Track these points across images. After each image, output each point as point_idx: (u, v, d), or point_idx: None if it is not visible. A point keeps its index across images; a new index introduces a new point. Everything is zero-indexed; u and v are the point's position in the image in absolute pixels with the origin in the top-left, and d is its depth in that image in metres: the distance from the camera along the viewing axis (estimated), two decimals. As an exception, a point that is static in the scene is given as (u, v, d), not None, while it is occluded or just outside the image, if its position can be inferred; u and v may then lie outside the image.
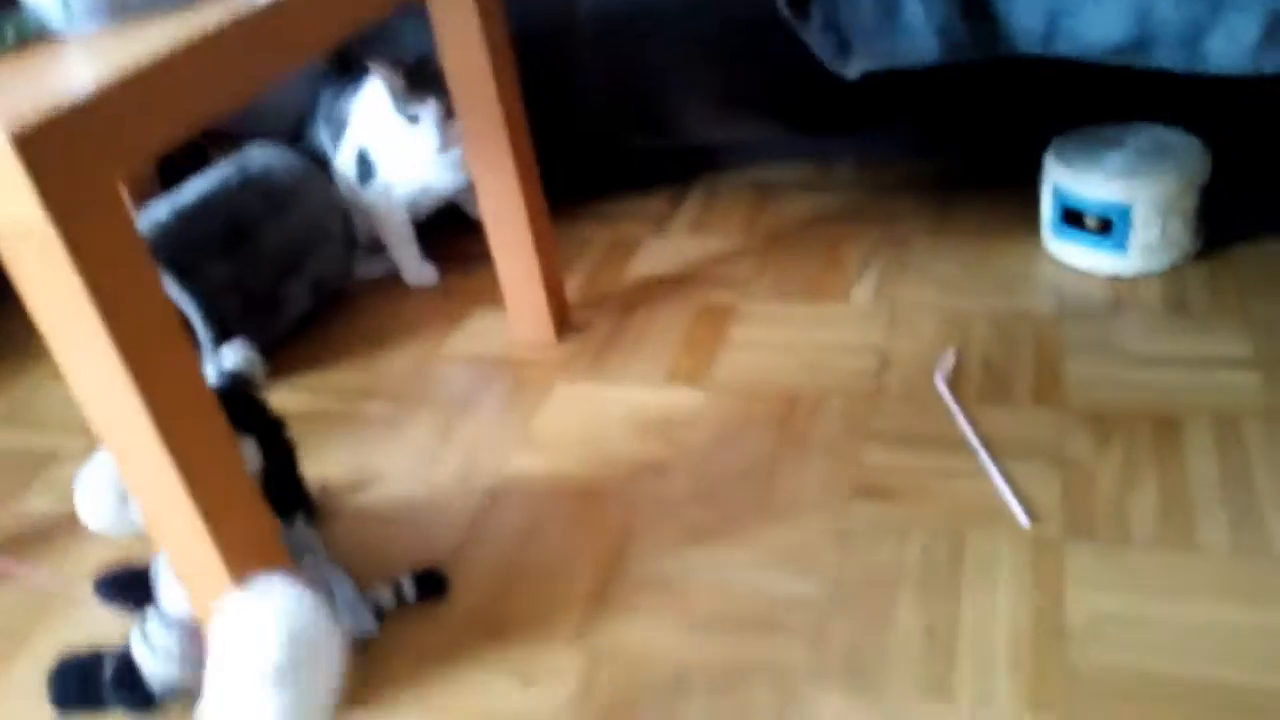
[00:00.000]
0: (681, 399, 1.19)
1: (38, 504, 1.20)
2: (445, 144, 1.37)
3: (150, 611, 0.88)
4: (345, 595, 0.93)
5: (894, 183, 1.58)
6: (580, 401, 1.21)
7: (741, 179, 1.67)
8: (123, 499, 0.83)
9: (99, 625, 1.01)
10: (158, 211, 1.29)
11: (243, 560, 0.80)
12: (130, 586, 0.98)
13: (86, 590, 1.03)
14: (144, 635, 0.86)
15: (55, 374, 1.45)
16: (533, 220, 1.24)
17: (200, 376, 0.75)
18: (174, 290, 1.22)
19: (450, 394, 1.27)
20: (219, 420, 0.77)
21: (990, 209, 1.46)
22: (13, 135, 0.60)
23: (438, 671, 0.90)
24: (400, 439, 1.20)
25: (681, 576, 0.95)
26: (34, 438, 1.32)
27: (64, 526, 1.15)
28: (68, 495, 1.20)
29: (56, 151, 0.62)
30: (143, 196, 1.59)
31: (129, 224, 0.69)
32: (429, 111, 1.34)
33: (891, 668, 0.84)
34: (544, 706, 0.85)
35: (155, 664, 0.85)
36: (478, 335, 1.37)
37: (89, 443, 1.29)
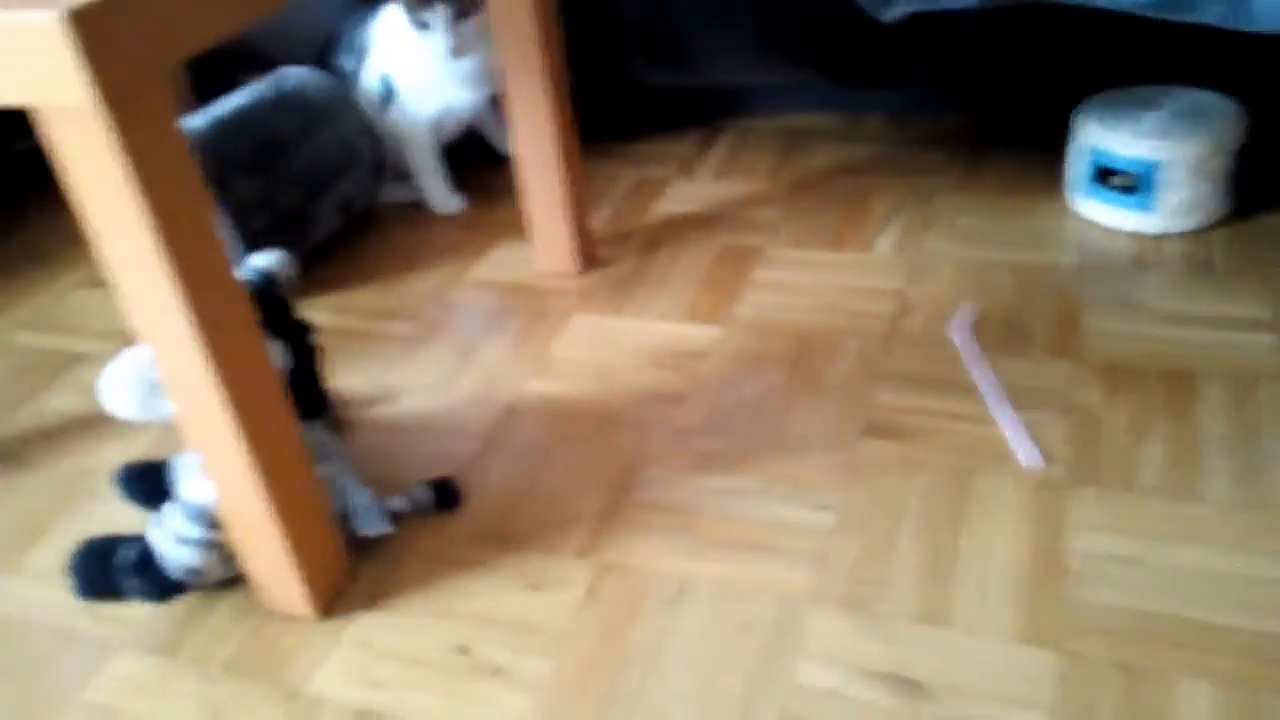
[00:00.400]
0: (700, 334, 1.20)
1: (59, 402, 1.23)
2: (456, 45, 1.38)
3: (170, 503, 0.90)
4: (362, 500, 0.95)
5: (923, 137, 1.57)
6: (599, 332, 1.22)
7: (770, 126, 1.67)
8: (150, 389, 0.85)
9: (118, 520, 1.04)
10: (193, 122, 1.30)
11: (267, 455, 0.82)
12: (150, 480, 1.00)
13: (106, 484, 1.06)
14: (163, 523, 0.89)
15: (80, 282, 1.47)
16: (563, 151, 1.25)
17: (233, 272, 0.77)
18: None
19: (471, 318, 1.28)
20: (250, 315, 0.79)
21: (1018, 166, 1.46)
22: (69, 13, 0.61)
23: (447, 575, 0.92)
24: (421, 359, 1.22)
25: (690, 500, 0.97)
26: (57, 340, 1.35)
27: (84, 424, 1.18)
28: (89, 395, 1.23)
29: (110, 35, 0.63)
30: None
31: (174, 114, 0.70)
32: (437, 15, 1.34)
33: (890, 593, 0.85)
34: (549, 611, 0.87)
35: (173, 551, 0.88)
36: (501, 265, 1.39)
37: (112, 347, 1.31)
